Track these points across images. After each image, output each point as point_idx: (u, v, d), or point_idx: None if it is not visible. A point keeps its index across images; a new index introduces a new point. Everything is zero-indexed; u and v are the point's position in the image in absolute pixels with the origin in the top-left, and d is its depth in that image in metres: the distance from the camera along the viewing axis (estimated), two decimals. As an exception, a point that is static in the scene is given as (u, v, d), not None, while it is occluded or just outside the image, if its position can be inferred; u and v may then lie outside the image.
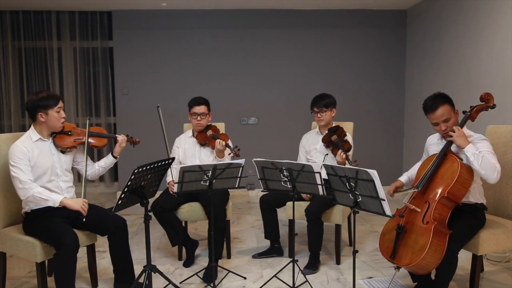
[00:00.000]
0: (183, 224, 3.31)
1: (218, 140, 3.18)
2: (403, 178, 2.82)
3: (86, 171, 2.73)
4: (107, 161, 2.86)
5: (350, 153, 3.14)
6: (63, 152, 2.67)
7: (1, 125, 5.67)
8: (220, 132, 3.42)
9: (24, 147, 2.48)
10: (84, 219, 2.51)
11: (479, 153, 2.33)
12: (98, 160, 2.92)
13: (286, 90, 5.62)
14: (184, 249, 3.34)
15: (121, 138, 2.86)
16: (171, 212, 3.18)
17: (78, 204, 2.51)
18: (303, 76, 5.60)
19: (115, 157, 2.86)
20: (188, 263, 3.25)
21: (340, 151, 3.01)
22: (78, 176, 5.50)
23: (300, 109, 5.50)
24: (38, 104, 2.51)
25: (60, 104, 2.58)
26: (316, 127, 3.50)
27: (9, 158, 2.47)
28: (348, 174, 2.18)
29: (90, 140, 2.74)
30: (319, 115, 3.32)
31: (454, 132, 2.42)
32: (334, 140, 3.15)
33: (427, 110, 2.53)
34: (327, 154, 3.26)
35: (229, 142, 3.27)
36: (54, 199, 2.47)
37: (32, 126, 2.61)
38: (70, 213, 2.61)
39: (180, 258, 3.35)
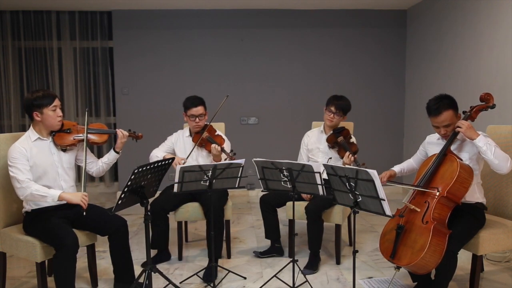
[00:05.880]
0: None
1: (213, 145, 3.08)
2: (396, 168, 2.83)
3: (85, 165, 2.67)
4: (109, 157, 2.85)
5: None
6: (63, 150, 2.66)
7: (1, 125, 5.67)
8: (216, 133, 3.32)
9: (22, 147, 2.48)
10: (84, 213, 2.48)
11: (490, 143, 2.34)
12: (99, 156, 2.92)
13: (286, 90, 5.61)
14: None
15: (120, 133, 2.84)
16: (166, 217, 3.20)
17: (78, 197, 2.47)
18: (303, 76, 5.59)
19: (117, 152, 2.86)
20: (156, 260, 3.26)
21: (348, 153, 2.99)
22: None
23: (300, 109, 5.50)
24: (32, 104, 2.51)
25: (56, 102, 2.56)
26: (318, 126, 3.48)
27: (8, 159, 2.47)
28: (348, 174, 2.18)
29: (90, 136, 2.71)
30: (332, 115, 3.26)
31: (461, 127, 2.40)
32: (340, 141, 3.13)
33: (431, 113, 2.51)
34: (330, 158, 3.23)
35: (225, 146, 3.19)
36: (53, 195, 2.44)
37: (31, 126, 2.61)
38: (70, 213, 2.61)
39: (180, 258, 3.35)
